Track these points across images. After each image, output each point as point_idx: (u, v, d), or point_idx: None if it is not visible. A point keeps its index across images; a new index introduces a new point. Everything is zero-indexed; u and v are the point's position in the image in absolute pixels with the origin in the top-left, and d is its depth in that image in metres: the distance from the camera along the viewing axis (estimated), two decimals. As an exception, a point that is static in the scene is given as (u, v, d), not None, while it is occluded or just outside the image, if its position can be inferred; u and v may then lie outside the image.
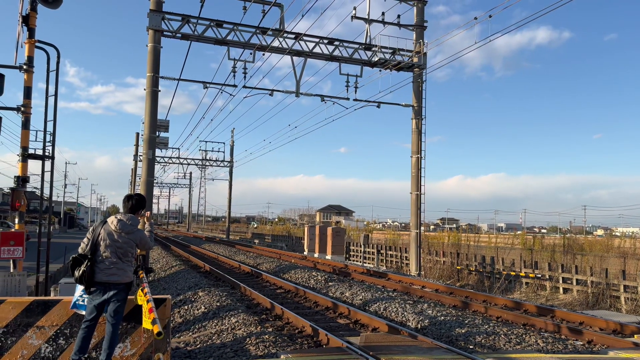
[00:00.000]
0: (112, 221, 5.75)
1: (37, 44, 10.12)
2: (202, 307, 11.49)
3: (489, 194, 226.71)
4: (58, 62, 10.33)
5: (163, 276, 19.79)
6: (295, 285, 14.79)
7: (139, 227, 5.92)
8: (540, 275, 18.05)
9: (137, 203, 5.99)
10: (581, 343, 8.96)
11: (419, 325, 10.08)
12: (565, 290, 17.05)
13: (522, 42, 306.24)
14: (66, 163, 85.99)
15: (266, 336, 8.38)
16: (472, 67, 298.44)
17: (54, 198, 12.74)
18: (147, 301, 5.32)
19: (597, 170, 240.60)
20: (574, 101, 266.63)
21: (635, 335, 9.34)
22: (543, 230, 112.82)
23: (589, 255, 22.77)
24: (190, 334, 9.58)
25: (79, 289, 5.76)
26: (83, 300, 5.75)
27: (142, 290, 5.76)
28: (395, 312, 11.20)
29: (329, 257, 27.33)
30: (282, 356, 6.91)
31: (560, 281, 17.29)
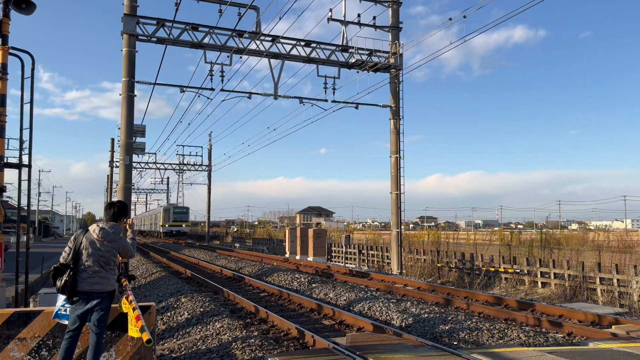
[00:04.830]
0: (94, 229, 5.68)
1: (10, 51, 9.92)
2: (186, 313, 11.39)
3: (468, 191, 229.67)
4: (33, 69, 10.15)
5: (144, 283, 19.53)
6: (278, 288, 14.77)
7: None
8: (519, 270, 18.35)
9: (119, 210, 5.94)
10: (561, 335, 9.16)
11: (404, 324, 10.17)
12: (544, 284, 17.37)
13: (500, 41, 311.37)
14: (39, 171, 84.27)
15: (252, 340, 8.36)
16: (451, 67, 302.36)
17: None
18: (133, 309, 5.27)
19: (573, 165, 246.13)
20: (551, 98, 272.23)
21: (613, 326, 9.58)
22: (520, 226, 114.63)
23: (566, 249, 23.24)
24: (175, 340, 9.49)
25: (61, 298, 5.67)
26: (65, 310, 5.67)
27: (126, 298, 5.70)
28: (379, 311, 11.28)
29: (310, 258, 27.34)
30: (269, 359, 6.90)
31: (539, 275, 17.61)
